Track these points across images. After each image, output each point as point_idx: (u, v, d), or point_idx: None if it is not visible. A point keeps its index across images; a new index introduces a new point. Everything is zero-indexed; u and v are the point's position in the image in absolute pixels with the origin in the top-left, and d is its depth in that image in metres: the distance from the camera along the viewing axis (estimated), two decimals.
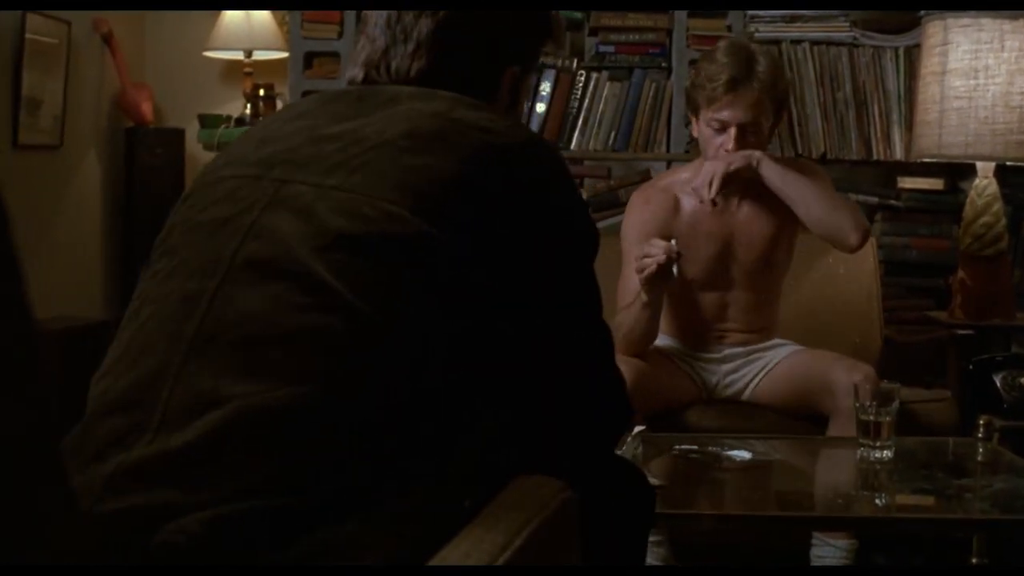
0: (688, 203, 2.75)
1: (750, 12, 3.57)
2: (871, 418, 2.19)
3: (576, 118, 3.60)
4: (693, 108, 2.67)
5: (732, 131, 2.59)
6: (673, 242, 2.43)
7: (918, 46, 3.44)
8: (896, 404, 2.19)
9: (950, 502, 2.01)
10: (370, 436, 1.06)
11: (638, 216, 2.78)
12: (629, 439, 2.17)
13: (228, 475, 1.02)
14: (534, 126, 3.60)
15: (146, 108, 3.87)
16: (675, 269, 2.43)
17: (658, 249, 2.41)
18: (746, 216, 2.75)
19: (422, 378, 1.09)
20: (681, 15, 3.57)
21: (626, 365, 2.50)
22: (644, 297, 2.54)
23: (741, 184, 2.68)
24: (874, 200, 3.62)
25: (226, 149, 1.32)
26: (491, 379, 1.15)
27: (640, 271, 2.44)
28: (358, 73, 1.32)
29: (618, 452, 2.08)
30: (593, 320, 1.24)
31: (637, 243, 2.72)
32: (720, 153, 2.62)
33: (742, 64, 2.57)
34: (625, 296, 2.70)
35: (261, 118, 3.54)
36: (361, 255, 1.09)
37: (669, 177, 2.85)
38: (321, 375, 1.06)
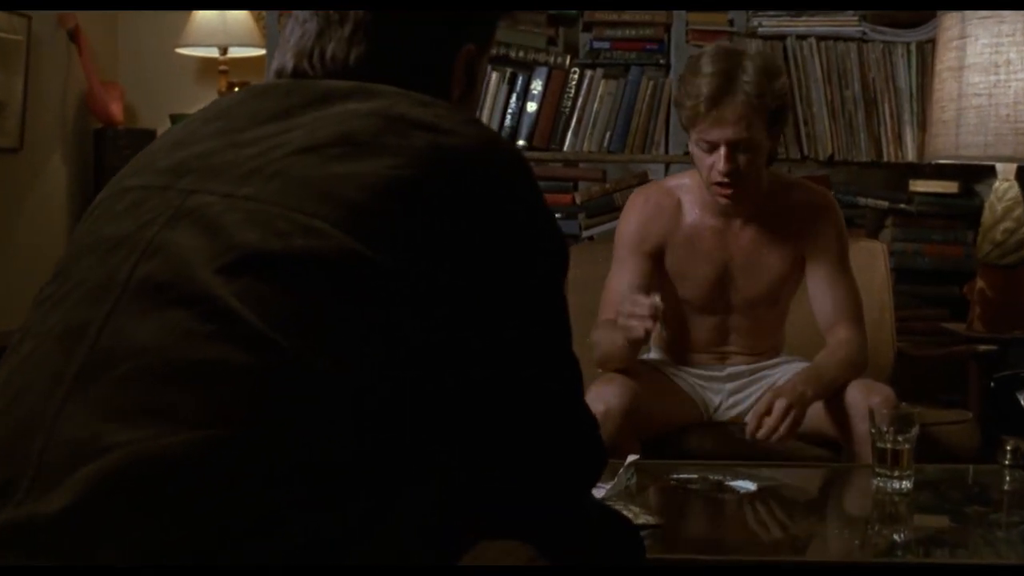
0: (690, 213, 2.55)
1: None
2: (888, 445, 1.99)
3: (569, 118, 3.43)
4: (683, 126, 2.46)
5: (723, 151, 2.35)
6: (657, 298, 2.22)
7: (931, 41, 3.27)
8: (916, 430, 2.00)
9: (980, 544, 1.80)
10: (288, 493, 0.87)
11: (636, 219, 2.57)
12: (622, 469, 1.97)
13: (110, 543, 0.83)
14: (525, 127, 3.42)
15: (116, 108, 3.69)
16: (660, 324, 2.27)
17: (643, 311, 2.19)
18: (750, 243, 2.52)
19: (353, 423, 0.90)
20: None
21: (617, 384, 2.31)
22: (626, 349, 2.35)
23: (747, 206, 2.47)
24: (884, 204, 3.45)
25: (140, 154, 1.12)
26: (441, 424, 0.96)
27: (625, 330, 2.24)
28: (287, 63, 1.12)
29: (608, 487, 1.90)
30: (561, 355, 1.04)
31: (631, 251, 2.55)
32: (713, 175, 2.37)
33: (723, 76, 2.31)
34: (608, 307, 2.52)
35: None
36: (272, 276, 0.91)
37: (674, 180, 2.64)
38: (226, 418, 0.87)
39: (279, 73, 1.13)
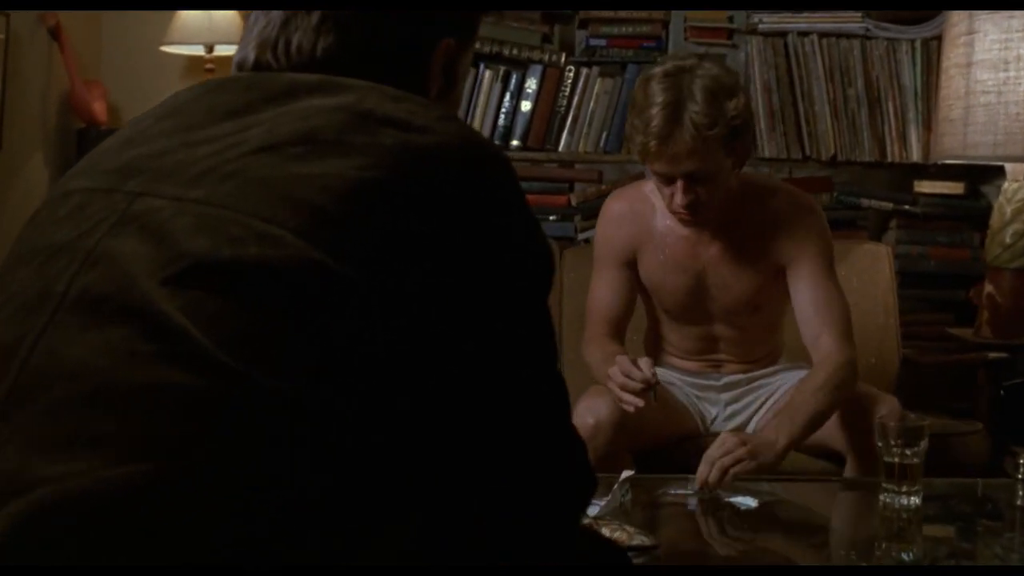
0: (661, 221, 2.43)
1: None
2: (896, 460, 1.90)
3: (565, 118, 3.34)
4: (639, 160, 2.33)
5: (679, 184, 2.23)
6: (645, 364, 2.12)
7: (937, 38, 3.19)
8: (925, 443, 1.91)
9: (995, 563, 1.72)
10: (241, 534, 0.79)
11: (609, 226, 2.48)
12: (616, 485, 1.88)
13: None
14: (519, 126, 3.34)
15: (99, 107, 3.59)
16: (653, 393, 2.13)
17: (636, 385, 2.09)
18: (722, 252, 2.40)
19: (315, 453, 0.81)
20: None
21: (608, 395, 2.22)
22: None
23: (713, 216, 2.34)
24: (888, 206, 3.36)
25: (89, 153, 1.03)
26: (415, 452, 0.87)
27: (617, 399, 2.15)
28: (249, 55, 1.03)
29: (601, 504, 1.81)
30: (544, 374, 0.95)
31: (608, 261, 2.47)
32: (672, 205, 2.26)
33: (671, 108, 2.16)
34: (593, 319, 2.44)
35: None
36: (223, 289, 0.81)
37: (651, 183, 2.52)
38: (169, 450, 0.79)
39: (240, 66, 1.04)
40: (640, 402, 2.10)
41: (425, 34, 1.03)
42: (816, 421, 2.19)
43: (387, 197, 0.84)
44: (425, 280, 0.84)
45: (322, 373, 0.81)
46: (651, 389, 2.11)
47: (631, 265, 2.46)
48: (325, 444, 0.81)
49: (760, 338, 2.51)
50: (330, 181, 0.84)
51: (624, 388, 2.10)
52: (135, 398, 0.80)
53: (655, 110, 2.17)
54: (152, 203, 0.87)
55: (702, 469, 1.98)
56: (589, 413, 2.21)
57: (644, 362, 2.13)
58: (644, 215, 2.45)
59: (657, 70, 2.25)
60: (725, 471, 1.97)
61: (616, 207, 2.49)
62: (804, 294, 2.35)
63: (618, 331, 2.45)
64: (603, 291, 2.47)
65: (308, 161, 0.86)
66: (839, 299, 2.36)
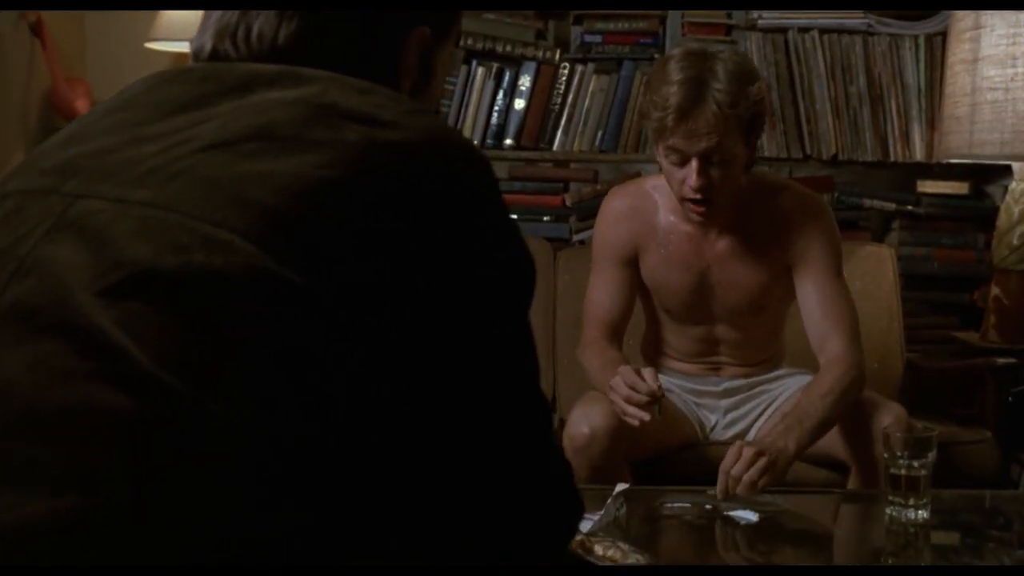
0: (665, 217, 2.36)
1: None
2: (903, 472, 1.82)
3: (559, 116, 3.25)
4: (652, 140, 2.25)
5: (694, 164, 2.14)
6: (650, 375, 2.04)
7: (941, 33, 3.11)
8: (933, 455, 1.83)
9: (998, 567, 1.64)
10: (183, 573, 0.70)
11: (610, 224, 2.40)
12: (610, 499, 1.80)
13: None
14: (512, 125, 3.25)
15: (81, 106, 3.50)
16: (659, 407, 2.04)
17: (641, 398, 2.01)
18: (727, 250, 2.33)
19: (269, 483, 0.73)
20: None
21: (604, 403, 2.14)
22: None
23: (722, 210, 2.27)
24: (891, 206, 3.28)
25: (32, 151, 0.95)
26: (383, 479, 0.78)
27: (619, 412, 2.06)
28: (205, 43, 0.94)
29: (595, 518, 1.73)
30: (525, 393, 0.86)
31: (607, 259, 2.39)
32: (684, 190, 2.18)
33: (693, 85, 2.10)
34: (591, 321, 2.36)
35: None
36: (165, 301, 0.73)
37: (652, 179, 2.45)
38: (102, 481, 0.70)
39: (196, 55, 0.96)
40: (646, 416, 2.01)
41: (397, 21, 0.95)
42: (824, 427, 2.12)
43: (349, 198, 0.76)
44: (392, 291, 0.76)
45: (276, 396, 0.72)
46: (657, 402, 2.03)
47: (632, 264, 2.38)
48: (281, 475, 0.73)
49: (762, 341, 2.43)
50: (286, 180, 0.76)
51: (629, 400, 2.02)
52: (67, 423, 0.71)
53: (675, 87, 2.10)
54: (92, 206, 0.79)
55: (722, 480, 1.91)
56: (585, 422, 2.13)
57: (648, 373, 2.05)
58: (646, 212, 2.37)
59: (676, 51, 2.20)
60: (753, 484, 1.90)
61: (617, 204, 2.41)
62: (811, 295, 2.28)
63: (616, 334, 2.37)
64: (601, 292, 2.39)
65: (263, 159, 0.78)
66: (847, 301, 2.29)
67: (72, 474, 0.70)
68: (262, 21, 0.92)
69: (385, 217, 0.76)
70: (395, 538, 0.79)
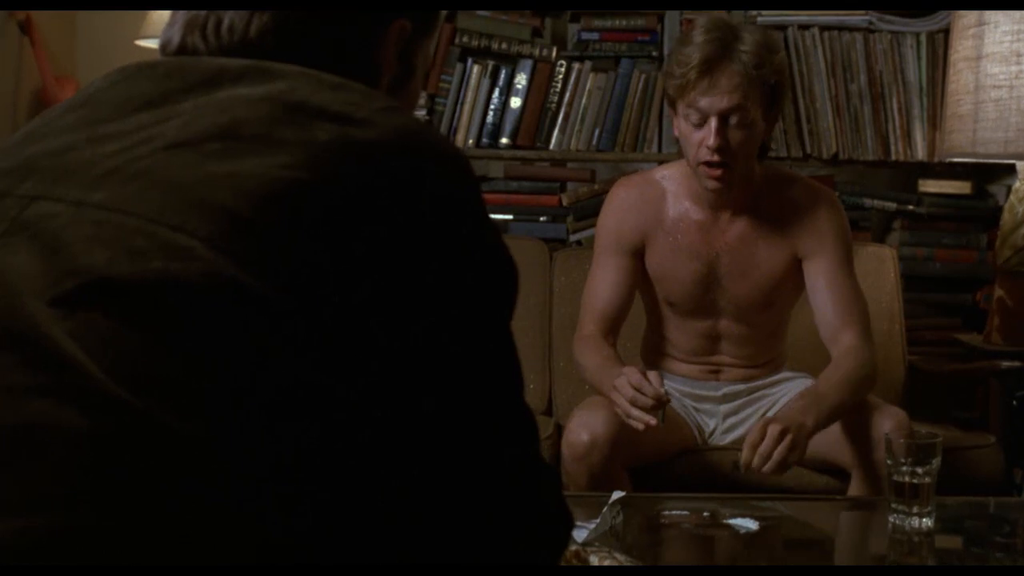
0: (674, 205, 2.32)
1: None
2: (907, 479, 1.78)
3: (556, 114, 3.21)
4: (670, 101, 2.24)
5: (713, 123, 2.13)
6: (656, 379, 2.01)
7: (943, 31, 3.06)
8: (937, 462, 1.79)
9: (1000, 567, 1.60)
10: None
11: (616, 212, 2.36)
12: (606, 508, 1.75)
13: None
14: (508, 123, 3.20)
15: None
16: (662, 414, 2.00)
17: (647, 402, 1.98)
18: (739, 239, 2.29)
19: (231, 505, 0.68)
20: None
21: (604, 410, 2.10)
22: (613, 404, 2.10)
23: (738, 197, 2.24)
24: (892, 206, 3.24)
25: None
26: (357, 500, 0.74)
27: (622, 414, 2.03)
28: (173, 36, 0.90)
29: (590, 526, 1.68)
30: (509, 405, 0.81)
31: (611, 248, 2.34)
32: (701, 153, 2.16)
33: (719, 44, 2.12)
34: (589, 313, 2.31)
35: None
36: (120, 310, 0.69)
37: (661, 170, 2.42)
38: (53, 502, 0.66)
39: (163, 49, 0.91)
40: (652, 420, 1.98)
41: (375, 12, 0.91)
42: (839, 411, 2.11)
43: (319, 201, 0.72)
44: (362, 300, 0.71)
45: (238, 411, 0.68)
46: (662, 407, 1.99)
47: (636, 254, 2.34)
48: (244, 491, 0.68)
49: (765, 340, 2.38)
50: (251, 182, 0.71)
51: (634, 403, 1.98)
52: (15, 440, 0.67)
53: (700, 45, 2.13)
54: (48, 208, 0.75)
55: (747, 454, 1.96)
56: (585, 429, 2.08)
57: (655, 377, 2.01)
58: (654, 200, 2.34)
59: (700, 19, 2.22)
60: (782, 463, 1.94)
61: (624, 193, 2.38)
62: (823, 287, 2.26)
63: (613, 329, 2.32)
64: (602, 283, 2.34)
65: (228, 159, 0.73)
66: (860, 296, 2.28)
67: (19, 495, 0.66)
68: (233, 13, 0.88)
69: (356, 221, 0.72)
70: (374, 555, 0.74)
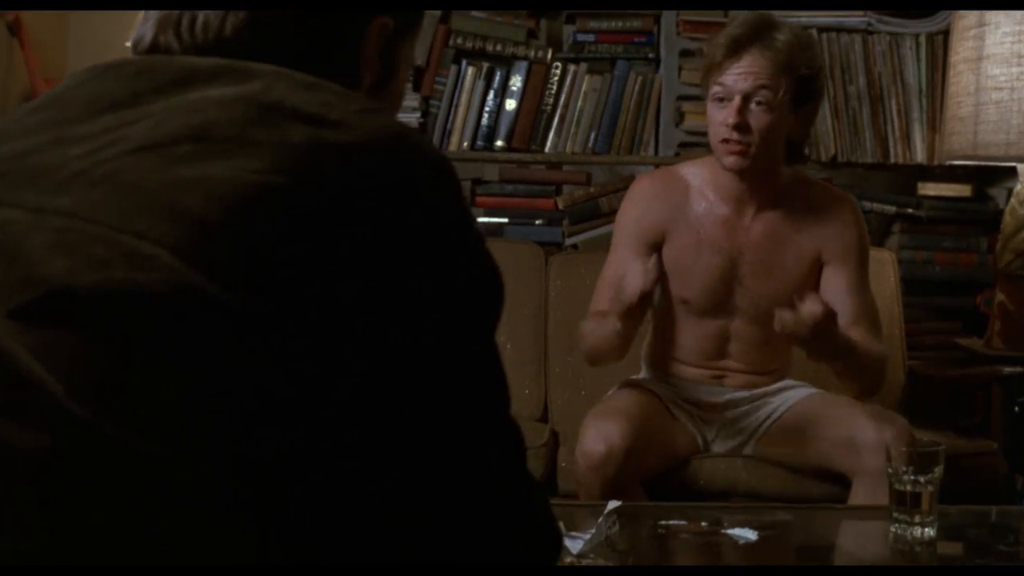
0: (698, 200, 2.32)
1: None
2: (908, 488, 1.75)
3: (551, 117, 3.18)
4: (704, 85, 2.27)
5: (735, 101, 2.16)
6: (652, 263, 2.06)
7: (942, 32, 3.04)
8: (940, 470, 1.76)
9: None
10: None
11: (637, 205, 2.35)
12: (602, 518, 1.71)
13: None
14: (503, 126, 3.17)
15: None
16: (656, 293, 2.07)
17: (638, 276, 2.02)
18: (762, 236, 2.28)
19: (199, 527, 0.65)
20: None
21: (619, 420, 2.10)
22: (618, 326, 2.14)
23: (761, 192, 2.25)
24: (892, 209, 3.21)
25: None
26: (335, 520, 0.70)
27: (619, 300, 2.06)
28: (146, 34, 0.86)
29: (586, 537, 1.65)
30: (494, 419, 0.78)
31: (630, 241, 2.32)
32: (721, 131, 2.19)
33: (752, 28, 2.18)
34: (600, 298, 2.30)
35: None
36: (81, 323, 0.65)
37: (687, 166, 2.42)
38: (13, 524, 0.63)
39: (135, 47, 0.87)
40: (649, 277, 2.07)
41: (355, 9, 0.87)
42: (851, 354, 2.17)
43: (292, 206, 0.68)
44: (338, 312, 0.68)
45: (205, 425, 0.64)
46: (654, 284, 2.09)
47: (655, 248, 2.32)
48: (212, 513, 0.65)
49: (774, 347, 2.35)
50: (221, 187, 0.68)
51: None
52: None
53: (735, 27, 2.20)
54: (8, 215, 0.71)
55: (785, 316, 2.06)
56: (600, 439, 2.07)
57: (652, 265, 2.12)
58: (678, 194, 2.33)
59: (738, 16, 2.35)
60: (819, 315, 2.04)
61: (647, 185, 2.38)
62: (839, 291, 2.27)
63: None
64: (617, 271, 2.28)
65: (197, 163, 0.70)
66: (874, 305, 2.32)
67: None
68: (207, 12, 0.84)
69: (331, 227, 0.68)
70: (354, 561, 0.71)
